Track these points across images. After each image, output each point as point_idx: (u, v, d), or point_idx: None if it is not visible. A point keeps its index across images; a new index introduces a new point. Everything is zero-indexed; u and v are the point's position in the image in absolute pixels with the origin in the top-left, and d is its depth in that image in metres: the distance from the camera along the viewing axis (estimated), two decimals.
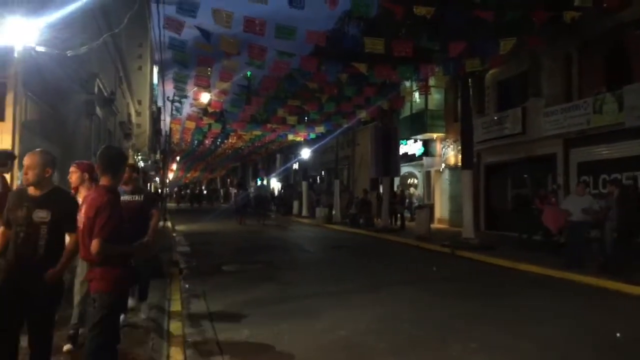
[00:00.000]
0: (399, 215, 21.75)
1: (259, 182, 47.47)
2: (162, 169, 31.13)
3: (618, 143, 13.38)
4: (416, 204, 22.67)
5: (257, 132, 26.18)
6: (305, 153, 31.56)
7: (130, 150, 24.52)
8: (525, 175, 17.52)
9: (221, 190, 69.75)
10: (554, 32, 12.04)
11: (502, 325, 6.45)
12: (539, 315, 7.04)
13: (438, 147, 22.98)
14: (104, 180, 3.59)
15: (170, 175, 53.68)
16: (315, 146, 30.50)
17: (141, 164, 30.05)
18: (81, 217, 3.54)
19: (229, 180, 73.41)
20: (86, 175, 4.63)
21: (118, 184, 3.85)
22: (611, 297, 8.27)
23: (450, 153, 21.70)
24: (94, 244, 3.36)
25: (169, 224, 23.63)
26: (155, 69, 35.86)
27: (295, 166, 39.31)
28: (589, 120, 13.65)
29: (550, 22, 10.89)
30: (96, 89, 14.45)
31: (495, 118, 17.79)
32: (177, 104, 24.54)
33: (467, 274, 10.84)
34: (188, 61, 12.37)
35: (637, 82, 12.22)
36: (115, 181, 3.67)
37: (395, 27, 12.94)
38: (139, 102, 28.05)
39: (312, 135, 26.67)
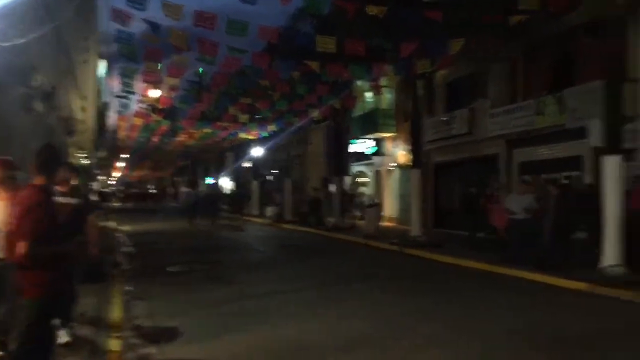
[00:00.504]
0: (349, 213, 21.87)
1: (207, 181, 46.51)
2: (107, 167, 30.06)
3: (558, 144, 13.94)
4: (366, 203, 22.86)
5: (208, 130, 25.66)
6: (257, 151, 31.27)
7: (73, 148, 23.46)
8: (474, 176, 17.95)
9: (170, 189, 68.11)
10: (500, 35, 12.39)
11: (448, 321, 6.57)
12: (483, 311, 7.22)
13: (389, 146, 23.28)
14: (38, 180, 3.43)
15: (116, 174, 51.99)
16: (267, 145, 30.25)
17: (85, 161, 28.87)
18: (9, 217, 3.33)
19: (175, 179, 71.91)
20: (6, 173, 4.29)
21: (52, 184, 3.67)
22: (550, 292, 8.58)
23: (400, 152, 22.02)
24: (22, 246, 3.15)
25: (113, 223, 22.84)
26: (102, 63, 34.46)
27: (247, 164, 38.89)
28: (531, 122, 14.16)
29: (498, 25, 11.20)
30: (35, 83, 13.70)
31: (444, 118, 18.19)
32: (124, 100, 23.68)
33: (415, 271, 11.01)
34: (136, 55, 11.93)
35: (579, 84, 12.76)
36: (50, 181, 3.53)
37: (347, 26, 12.97)
38: (84, 97, 26.86)
39: (264, 134, 26.42)
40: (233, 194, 27.86)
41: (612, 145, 9.17)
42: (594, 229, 9.80)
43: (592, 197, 10.67)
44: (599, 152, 10.11)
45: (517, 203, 10.80)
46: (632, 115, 11.36)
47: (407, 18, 11.25)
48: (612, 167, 9.07)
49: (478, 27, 11.19)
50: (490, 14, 10.91)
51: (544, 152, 14.55)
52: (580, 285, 8.54)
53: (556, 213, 10.15)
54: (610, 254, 8.83)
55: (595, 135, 10.28)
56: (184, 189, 38.07)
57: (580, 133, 11.75)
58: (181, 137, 30.00)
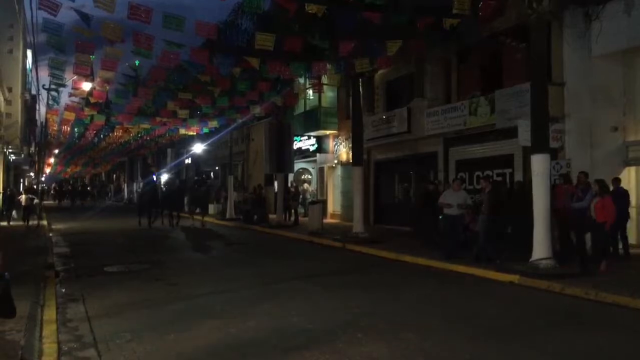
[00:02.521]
0: (292, 210, 21.94)
1: (153, 177, 44.05)
2: (38, 163, 28.52)
3: (490, 143, 14.61)
4: (310, 200, 23.01)
5: (146, 126, 24.88)
6: (198, 148, 30.70)
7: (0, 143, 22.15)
8: (414, 173, 18.42)
9: (110, 186, 65.25)
10: (435, 37, 12.80)
11: (387, 315, 6.75)
12: (421, 304, 7.49)
13: (331, 143, 23.52)
14: None
15: (48, 170, 49.41)
16: (209, 141, 29.73)
17: (12, 157, 27.30)
18: None
19: (114, 175, 69.27)
20: None
21: None
22: (485, 285, 8.98)
23: (342, 150, 22.31)
24: None
25: (44, 222, 21.80)
26: (29, 53, 32.63)
27: (188, 161, 38.05)
28: (465, 122, 14.74)
29: (433, 28, 11.58)
30: None
31: (384, 117, 18.58)
32: (54, 93, 22.54)
33: (357, 267, 11.20)
34: (65, 46, 11.41)
35: (507, 87, 13.41)
36: None
37: (288, 23, 12.99)
38: (9, 90, 25.34)
39: (205, 130, 25.93)
40: (196, 192, 24.26)
41: (539, 144, 9.71)
42: (524, 224, 10.39)
43: (521, 193, 11.32)
44: (528, 151, 10.70)
45: (451, 199, 11.21)
46: (558, 116, 12.10)
47: (345, 17, 11.42)
48: (540, 165, 9.61)
49: (414, 29, 11.51)
50: (425, 17, 11.25)
51: (478, 150, 15.20)
52: (513, 278, 8.98)
53: (489, 208, 10.63)
54: (540, 248, 9.33)
55: (524, 135, 10.85)
56: (141, 184, 35.01)
57: (510, 133, 12.36)
58: (117, 133, 28.97)
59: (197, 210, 21.91)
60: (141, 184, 34.81)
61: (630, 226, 11.23)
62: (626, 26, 10.95)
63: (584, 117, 12.02)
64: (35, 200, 21.61)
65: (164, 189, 24.95)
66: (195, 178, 27.90)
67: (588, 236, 9.71)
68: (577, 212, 9.54)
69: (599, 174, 10.21)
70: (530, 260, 9.37)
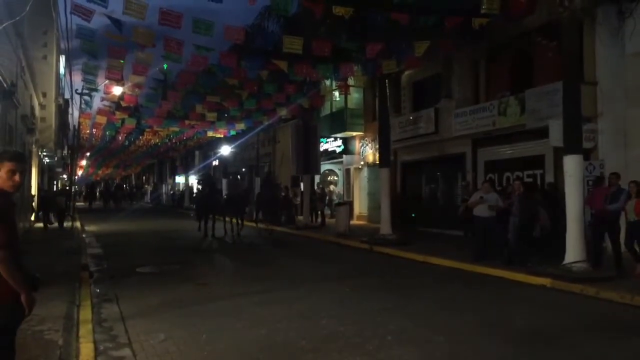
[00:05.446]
0: (319, 212, 21.98)
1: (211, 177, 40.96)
2: (70, 166, 29.27)
3: (520, 143, 14.37)
4: (336, 201, 23.01)
5: (175, 129, 25.32)
6: (225, 150, 31.03)
7: (34, 146, 22.77)
8: (441, 174, 18.25)
9: (147, 187, 66.19)
10: (463, 37, 12.66)
11: (416, 317, 6.71)
12: (450, 307, 7.41)
13: (357, 145, 23.48)
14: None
15: (80, 172, 50.68)
16: (236, 143, 30.01)
17: (46, 160, 28.08)
18: None
19: (144, 177, 70.61)
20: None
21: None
22: (516, 288, 8.83)
23: (368, 151, 22.25)
24: None
25: (77, 224, 22.35)
26: (63, 59, 33.56)
27: (215, 163, 38.48)
28: (494, 122, 14.52)
29: (461, 28, 11.46)
30: None
31: (411, 118, 18.47)
32: (86, 97, 23.13)
33: (385, 269, 11.16)
34: (98, 51, 11.69)
35: (538, 86, 13.16)
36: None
37: (315, 26, 13.04)
38: (44, 95, 26.04)
39: (232, 132, 26.25)
40: (266, 194, 21.83)
41: (572, 145, 9.49)
42: (556, 226, 10.17)
43: (553, 195, 11.09)
44: (560, 152, 10.47)
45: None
46: (590, 115, 11.82)
47: (372, 19, 11.40)
48: (573, 166, 9.40)
49: (442, 30, 11.41)
50: (453, 16, 11.14)
51: (508, 151, 14.97)
52: (545, 281, 8.80)
53: (521, 210, 10.43)
54: (574, 251, 9.13)
55: (555, 135, 10.63)
56: (198, 187, 32.29)
57: (541, 133, 12.12)
58: (147, 136, 29.56)
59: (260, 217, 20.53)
60: (197, 185, 33.21)
61: None
62: None
63: (618, 116, 11.73)
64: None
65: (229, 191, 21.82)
66: (261, 178, 24.18)
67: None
68: (612, 213, 9.28)
69: (634, 175, 9.92)
70: (563, 263, 9.17)
